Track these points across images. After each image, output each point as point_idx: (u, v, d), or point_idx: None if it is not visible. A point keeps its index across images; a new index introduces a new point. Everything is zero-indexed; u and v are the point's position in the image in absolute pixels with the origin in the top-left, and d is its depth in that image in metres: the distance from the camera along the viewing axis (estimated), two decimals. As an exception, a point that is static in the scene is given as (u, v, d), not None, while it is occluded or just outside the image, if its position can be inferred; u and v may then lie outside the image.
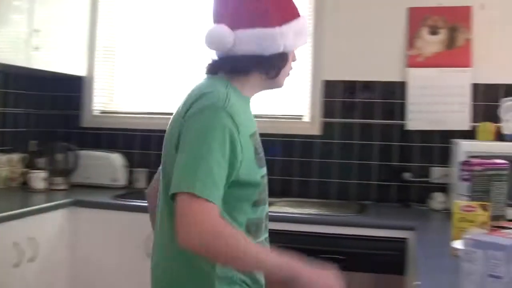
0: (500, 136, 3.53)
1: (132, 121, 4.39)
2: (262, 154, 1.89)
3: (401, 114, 3.92)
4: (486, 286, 1.55)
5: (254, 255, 1.67)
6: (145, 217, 3.55)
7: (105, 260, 3.61)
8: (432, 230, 3.25)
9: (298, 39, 1.94)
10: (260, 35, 1.86)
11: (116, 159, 4.23)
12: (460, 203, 2.36)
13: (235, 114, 1.74)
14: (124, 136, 4.38)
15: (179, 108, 1.85)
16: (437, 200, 3.73)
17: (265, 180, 1.89)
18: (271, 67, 1.90)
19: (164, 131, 4.48)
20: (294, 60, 1.99)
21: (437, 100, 3.88)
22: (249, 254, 1.66)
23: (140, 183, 4.24)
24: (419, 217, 3.47)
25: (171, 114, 4.64)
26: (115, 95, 4.53)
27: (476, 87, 3.84)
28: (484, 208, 2.31)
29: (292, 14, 1.92)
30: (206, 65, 1.95)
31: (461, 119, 3.83)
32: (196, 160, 1.65)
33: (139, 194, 4.07)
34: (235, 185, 1.74)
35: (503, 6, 3.83)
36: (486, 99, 3.83)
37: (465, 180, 2.64)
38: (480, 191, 2.60)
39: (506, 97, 3.66)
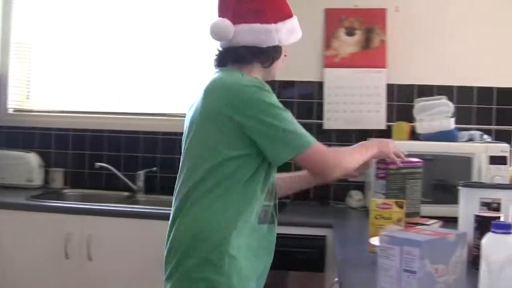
0: (414, 135, 3.63)
1: (48, 119, 4.30)
2: None
3: (320, 114, 3.98)
4: (402, 280, 1.59)
5: (360, 154, 2.33)
6: (62, 217, 3.51)
7: (21, 262, 3.51)
8: (350, 228, 3.30)
9: (291, 35, 2.26)
10: (258, 29, 2.18)
11: (32, 158, 4.13)
12: (376, 200, 2.40)
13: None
14: (40, 135, 4.29)
15: (200, 100, 2.14)
16: (355, 198, 3.80)
17: None
18: (267, 58, 2.23)
19: (80, 130, 4.35)
20: (285, 55, 2.33)
21: (353, 100, 3.96)
22: (358, 155, 2.32)
23: (57, 183, 4.16)
24: (338, 215, 3.52)
25: (88, 112, 4.51)
26: (31, 93, 4.42)
27: (391, 88, 3.94)
28: (399, 205, 2.36)
29: (285, 14, 2.26)
30: (214, 58, 2.27)
31: (377, 119, 3.93)
32: (289, 127, 2.08)
33: (56, 194, 4.00)
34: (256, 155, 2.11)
35: (416, 9, 3.94)
36: (400, 99, 3.93)
37: (381, 178, 2.69)
38: (396, 189, 2.65)
39: (419, 97, 3.76)
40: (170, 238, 2.17)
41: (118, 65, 4.28)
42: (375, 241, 2.19)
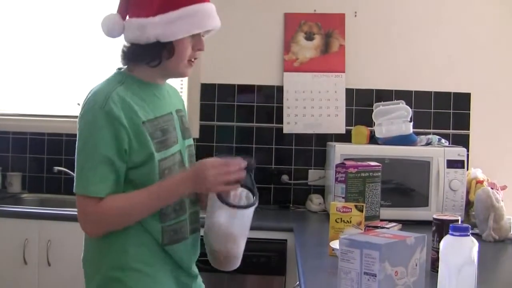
0: (373, 139, 3.66)
1: (6, 123, 4.21)
2: (162, 138, 1.93)
3: (279, 118, 3.99)
4: (362, 283, 1.60)
5: (148, 201, 1.87)
6: (20, 223, 3.46)
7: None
8: (310, 231, 3.32)
9: (178, 28, 1.86)
10: (134, 25, 1.89)
11: (-12, 163, 4.07)
12: (336, 204, 2.42)
13: (118, 109, 1.83)
14: (-3, 138, 4.22)
15: None
16: (315, 202, 3.82)
17: (169, 162, 1.94)
18: (152, 56, 1.89)
19: (38, 133, 4.27)
20: (198, 49, 1.97)
21: (313, 104, 3.97)
22: (145, 203, 1.87)
23: (15, 187, 4.08)
24: (298, 219, 3.54)
25: (46, 116, 4.43)
26: (-13, 96, 4.35)
27: (350, 92, 3.97)
28: (359, 209, 2.38)
29: (173, 3, 1.87)
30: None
31: (337, 123, 3.95)
32: (84, 162, 1.92)
33: (13, 199, 3.94)
34: (134, 170, 1.89)
35: (374, 14, 3.98)
36: (359, 104, 3.96)
37: (341, 182, 2.72)
38: (355, 192, 2.68)
39: (378, 101, 3.80)
40: None
41: (77, 68, 4.23)
42: (335, 244, 2.21)
